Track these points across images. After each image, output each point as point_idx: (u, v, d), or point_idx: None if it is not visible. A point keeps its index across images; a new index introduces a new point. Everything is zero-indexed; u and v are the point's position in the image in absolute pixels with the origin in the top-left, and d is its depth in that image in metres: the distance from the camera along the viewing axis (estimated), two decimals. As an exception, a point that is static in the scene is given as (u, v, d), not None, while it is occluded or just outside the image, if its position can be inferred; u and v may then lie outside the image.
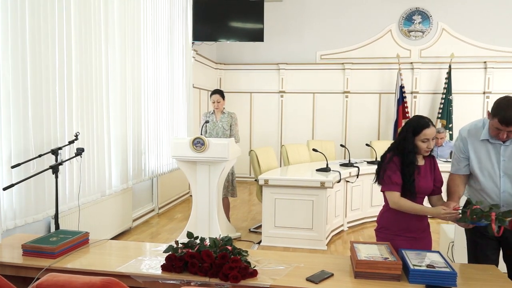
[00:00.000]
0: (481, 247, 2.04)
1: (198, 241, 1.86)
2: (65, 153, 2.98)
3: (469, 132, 2.05)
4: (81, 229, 2.39)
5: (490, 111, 1.92)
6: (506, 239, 1.98)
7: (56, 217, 2.59)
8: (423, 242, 2.05)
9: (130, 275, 1.76)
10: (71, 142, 2.88)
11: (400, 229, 2.03)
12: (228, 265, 1.67)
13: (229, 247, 1.78)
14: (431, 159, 2.09)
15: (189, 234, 1.89)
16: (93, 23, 3.51)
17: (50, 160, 2.78)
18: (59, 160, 2.61)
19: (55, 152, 2.62)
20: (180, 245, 1.84)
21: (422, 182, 2.02)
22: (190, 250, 1.78)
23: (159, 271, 1.78)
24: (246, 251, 1.84)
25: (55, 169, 2.54)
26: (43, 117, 2.93)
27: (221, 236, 1.88)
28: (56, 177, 2.56)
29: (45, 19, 2.94)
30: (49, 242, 1.95)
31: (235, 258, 1.70)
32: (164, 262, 1.78)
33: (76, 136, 2.90)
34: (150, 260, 1.90)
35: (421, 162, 2.06)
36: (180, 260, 1.75)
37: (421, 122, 1.98)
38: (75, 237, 2.05)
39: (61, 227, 2.66)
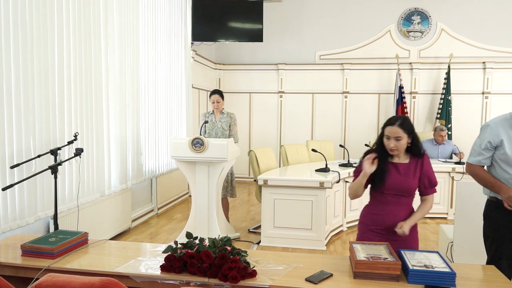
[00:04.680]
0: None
1: (197, 241, 1.86)
2: (64, 154, 2.98)
3: (501, 122, 2.10)
4: (80, 230, 2.39)
5: None
6: None
7: (55, 217, 2.58)
8: (405, 242, 2.02)
9: (129, 275, 1.75)
10: (70, 143, 2.88)
11: (374, 225, 2.10)
12: (227, 266, 1.67)
13: (228, 248, 1.78)
14: (419, 159, 2.08)
15: (188, 235, 1.89)
16: (92, 23, 3.51)
17: (50, 160, 2.78)
18: (58, 161, 2.60)
19: (54, 152, 2.62)
20: (179, 246, 1.83)
21: (395, 180, 2.04)
22: (189, 251, 1.78)
23: (158, 272, 1.77)
24: (245, 251, 1.84)
25: (54, 169, 2.54)
26: (42, 117, 2.93)
27: (220, 237, 1.88)
28: (55, 177, 2.56)
29: (45, 20, 2.93)
30: (48, 243, 1.95)
31: (234, 258, 1.70)
32: (163, 262, 1.78)
33: (75, 136, 2.90)
34: (149, 261, 1.90)
35: (403, 160, 2.08)
36: (179, 260, 1.74)
37: (388, 120, 2.09)
38: (74, 237, 2.04)
39: (60, 227, 2.66)
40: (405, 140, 2.03)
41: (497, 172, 2.10)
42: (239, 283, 1.66)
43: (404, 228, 1.99)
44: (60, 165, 2.60)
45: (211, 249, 1.77)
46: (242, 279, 1.67)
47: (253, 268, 1.74)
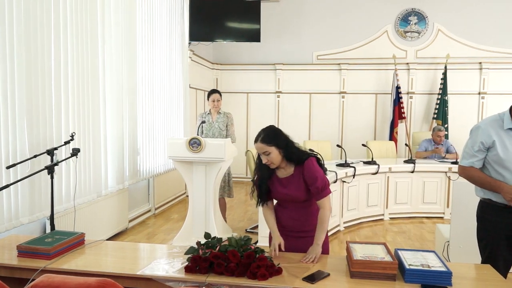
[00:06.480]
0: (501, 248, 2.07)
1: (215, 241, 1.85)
2: (61, 154, 2.96)
3: (491, 123, 2.09)
4: (76, 230, 2.39)
5: None
6: None
7: (51, 217, 2.57)
8: (307, 240, 2.01)
9: (154, 278, 1.73)
10: (66, 143, 2.87)
11: (280, 225, 2.11)
12: (255, 264, 1.68)
13: (252, 246, 1.79)
14: (300, 168, 2.00)
15: (207, 235, 1.87)
16: (89, 22, 3.50)
17: (46, 160, 2.77)
18: (54, 161, 2.59)
19: (50, 152, 2.61)
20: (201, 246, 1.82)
21: (280, 193, 2.04)
22: (212, 251, 1.77)
23: (181, 273, 1.74)
24: (263, 250, 1.82)
25: (50, 169, 2.53)
26: (39, 117, 2.92)
27: (238, 236, 1.87)
28: (52, 177, 2.55)
29: (41, 18, 2.92)
30: (44, 243, 1.94)
31: (262, 256, 1.71)
32: (187, 263, 1.76)
33: (72, 136, 2.89)
34: (168, 262, 1.87)
35: (288, 171, 2.03)
36: (205, 261, 1.73)
37: (256, 136, 2.02)
38: (71, 238, 2.03)
39: (57, 227, 2.64)
40: (275, 153, 1.96)
41: (490, 175, 2.10)
42: (239, 283, 1.66)
43: (310, 257, 1.87)
44: (57, 165, 2.59)
45: (234, 248, 1.77)
46: (270, 276, 1.68)
47: (278, 266, 1.75)
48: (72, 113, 3.30)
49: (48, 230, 2.95)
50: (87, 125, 3.50)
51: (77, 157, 2.90)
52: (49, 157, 2.63)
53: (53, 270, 1.77)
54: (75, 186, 3.21)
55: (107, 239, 3.60)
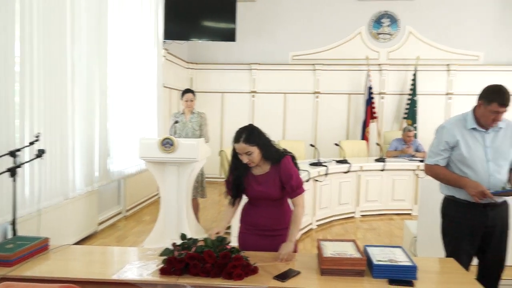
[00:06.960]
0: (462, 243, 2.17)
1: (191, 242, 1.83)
2: (25, 155, 2.83)
3: (455, 123, 2.19)
4: (42, 235, 2.29)
5: (482, 100, 2.09)
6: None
7: (13, 222, 2.45)
8: (278, 239, 2.00)
9: (130, 281, 1.68)
10: (31, 143, 2.74)
11: (251, 225, 2.11)
12: (231, 264, 1.67)
13: (228, 246, 1.77)
14: (277, 165, 2.02)
15: (183, 236, 1.84)
16: (58, 16, 3.35)
17: (8, 162, 2.63)
18: (17, 162, 2.47)
19: (13, 154, 2.48)
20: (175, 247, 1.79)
21: (255, 191, 2.04)
22: (188, 252, 1.74)
23: (156, 276, 1.71)
24: (239, 250, 1.81)
25: (13, 171, 2.41)
26: (1, 116, 2.77)
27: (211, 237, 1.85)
28: (14, 180, 2.43)
29: (5, 11, 2.77)
30: (4, 250, 1.85)
31: (238, 256, 1.70)
32: (162, 265, 1.73)
33: (37, 137, 2.76)
34: (142, 264, 1.84)
35: (264, 169, 2.04)
36: (180, 262, 1.70)
37: (234, 136, 2.00)
38: (34, 243, 1.94)
39: (20, 233, 2.53)
40: (256, 152, 1.97)
41: (454, 173, 2.20)
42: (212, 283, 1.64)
43: (283, 254, 1.87)
44: (19, 167, 2.48)
45: (210, 248, 1.75)
46: (246, 276, 1.67)
47: (255, 265, 1.74)
48: (38, 112, 3.16)
49: (9, 236, 2.81)
50: (53, 125, 3.35)
51: (42, 158, 2.77)
52: (12, 159, 2.50)
53: (15, 277, 1.70)
54: (40, 188, 3.07)
55: (75, 243, 3.49)
